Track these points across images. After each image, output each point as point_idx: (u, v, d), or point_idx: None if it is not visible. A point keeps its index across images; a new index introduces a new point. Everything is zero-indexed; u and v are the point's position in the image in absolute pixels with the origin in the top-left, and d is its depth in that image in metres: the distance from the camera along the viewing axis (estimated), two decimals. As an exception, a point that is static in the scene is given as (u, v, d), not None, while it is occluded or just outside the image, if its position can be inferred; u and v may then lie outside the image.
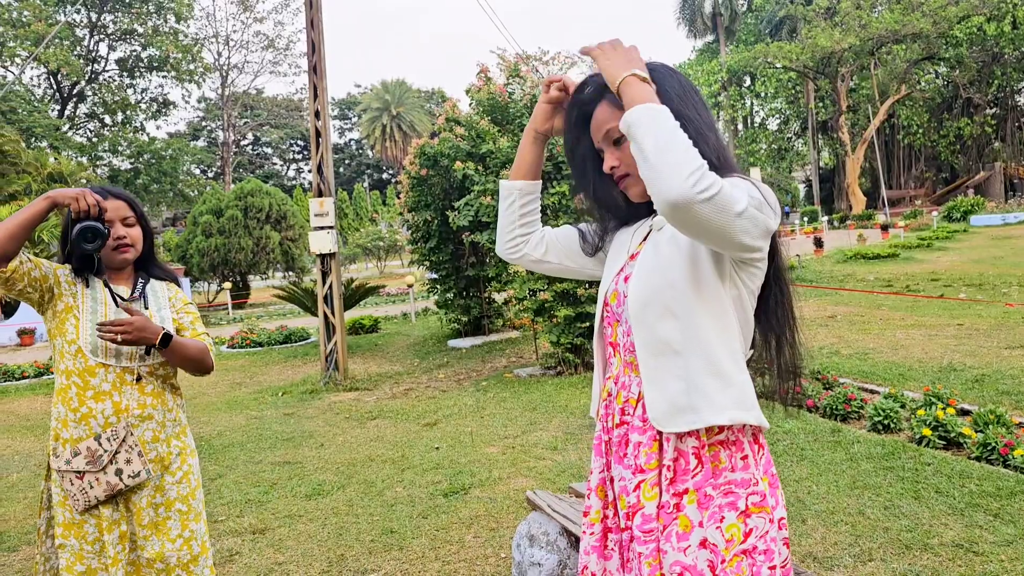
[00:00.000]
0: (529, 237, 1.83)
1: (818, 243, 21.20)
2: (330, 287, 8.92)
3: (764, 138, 50.62)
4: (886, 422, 5.17)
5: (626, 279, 1.62)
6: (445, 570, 3.64)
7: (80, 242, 2.27)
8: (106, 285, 2.43)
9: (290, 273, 24.67)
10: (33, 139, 33.86)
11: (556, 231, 1.86)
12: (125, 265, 2.48)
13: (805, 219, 40.29)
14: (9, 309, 20.04)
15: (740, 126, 54.20)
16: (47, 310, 2.43)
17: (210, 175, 53.52)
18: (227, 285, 22.91)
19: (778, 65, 40.98)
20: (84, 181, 30.02)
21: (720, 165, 1.48)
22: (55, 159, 29.41)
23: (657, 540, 1.49)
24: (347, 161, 67.14)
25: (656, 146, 1.32)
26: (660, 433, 1.51)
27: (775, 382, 1.73)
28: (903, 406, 5.46)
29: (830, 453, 4.79)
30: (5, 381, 11.22)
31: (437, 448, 5.79)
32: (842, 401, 5.61)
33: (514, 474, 4.98)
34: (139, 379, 2.38)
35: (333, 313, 8.91)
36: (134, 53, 41.87)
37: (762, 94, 50.73)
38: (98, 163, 39.42)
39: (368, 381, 8.95)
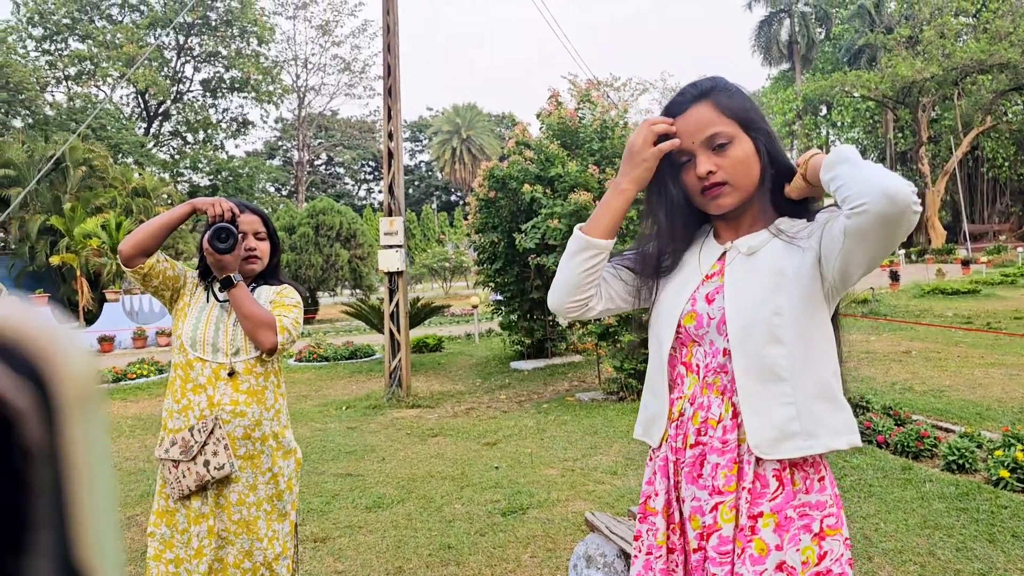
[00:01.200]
0: (595, 294, 1.71)
1: (894, 277, 20.60)
2: (396, 305, 9.06)
3: (839, 169, 49.53)
4: (961, 461, 4.99)
5: (708, 300, 1.58)
6: (501, 588, 3.65)
7: (213, 241, 2.42)
8: (208, 287, 2.56)
9: (357, 291, 25.13)
10: (120, 155, 35.38)
11: (606, 280, 1.75)
12: (252, 275, 2.62)
13: (880, 252, 39.13)
14: (91, 316, 20.87)
15: (814, 156, 53.18)
16: (172, 308, 2.61)
17: (284, 193, 54.97)
18: (297, 300, 23.44)
19: (856, 94, 40.21)
20: (165, 196, 31.20)
21: None
22: (139, 174, 30.65)
23: (732, 563, 1.49)
24: (416, 182, 68.21)
25: (876, 166, 1.36)
26: (740, 456, 1.51)
27: None
28: (980, 446, 5.26)
29: (900, 491, 4.65)
30: (85, 385, 11.68)
31: (496, 467, 5.81)
32: (914, 438, 5.44)
33: (573, 496, 4.96)
34: (232, 374, 2.47)
35: (399, 330, 9.04)
36: (217, 74, 43.52)
37: (838, 123, 49.78)
38: (179, 179, 40.95)
39: (430, 399, 9.03)
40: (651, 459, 1.67)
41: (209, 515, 2.45)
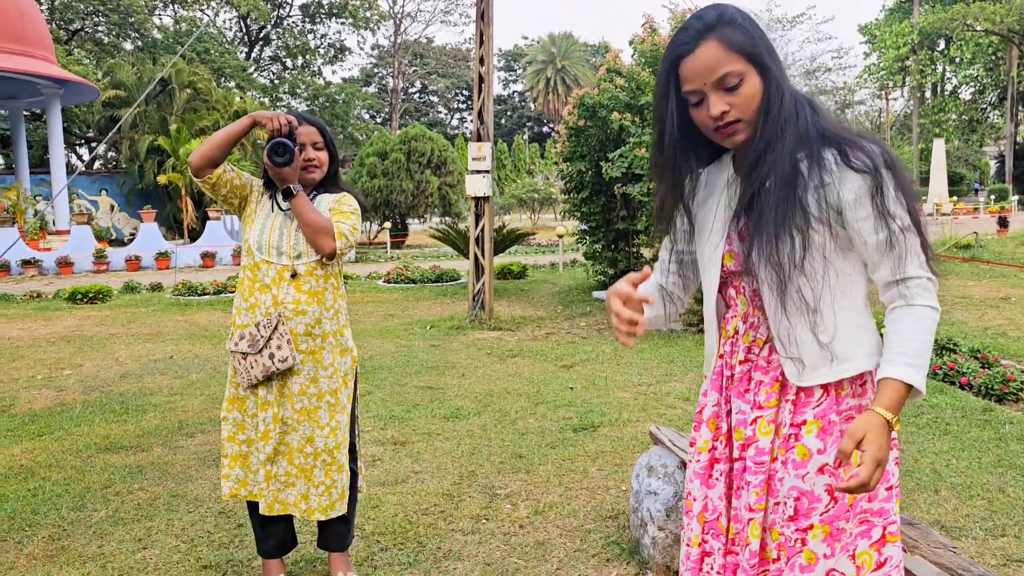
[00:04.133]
0: (669, 308, 1.86)
1: (1003, 223, 19.59)
2: (482, 230, 9.22)
3: (954, 108, 46.78)
4: (1046, 406, 4.87)
5: (741, 237, 1.61)
6: (567, 495, 3.82)
7: (272, 155, 2.59)
8: (272, 196, 2.75)
9: (446, 218, 25.46)
10: (223, 79, 36.33)
11: (663, 274, 1.84)
12: (312, 183, 2.79)
13: (993, 197, 37.16)
14: (194, 233, 21.86)
15: (928, 93, 50.34)
16: (241, 215, 2.81)
17: (378, 120, 55.55)
18: (387, 225, 23.98)
19: (978, 28, 37.63)
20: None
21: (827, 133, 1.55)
22: (240, 98, 31.47)
23: (767, 472, 1.58)
24: (509, 113, 67.78)
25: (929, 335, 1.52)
26: (783, 373, 1.59)
27: None
28: (1069, 392, 5.11)
29: (977, 431, 4.58)
30: (189, 296, 12.39)
31: (571, 388, 5.97)
32: (999, 381, 5.31)
33: (643, 418, 5.08)
34: (294, 275, 2.66)
35: (483, 255, 9.22)
36: (317, 0, 43.81)
37: (957, 59, 46.78)
38: (278, 104, 41.80)
39: (511, 323, 9.23)
40: (716, 373, 1.76)
41: (274, 403, 2.68)
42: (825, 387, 1.55)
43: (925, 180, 42.69)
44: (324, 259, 2.71)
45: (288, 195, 2.66)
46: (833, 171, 1.51)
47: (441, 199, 24.11)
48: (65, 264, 17.54)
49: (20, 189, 20.97)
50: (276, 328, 2.63)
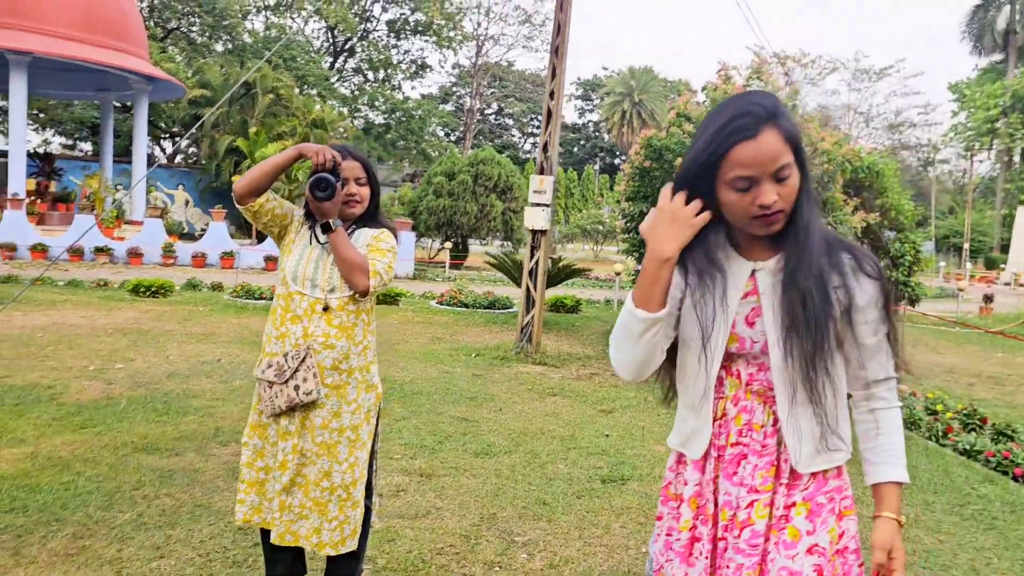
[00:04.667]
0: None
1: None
2: (536, 262, 9.21)
3: (1044, 174, 45.21)
4: (1104, 511, 4.61)
5: (749, 323, 1.65)
6: (585, 550, 3.75)
7: (314, 189, 2.63)
8: (311, 228, 2.77)
9: (507, 242, 25.55)
10: (305, 86, 37.27)
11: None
12: (352, 218, 2.82)
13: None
14: (261, 235, 22.36)
15: (1016, 158, 48.78)
16: (280, 243, 2.86)
17: (452, 138, 56.23)
18: (447, 245, 24.17)
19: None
20: (341, 130, 32.73)
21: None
22: (320, 107, 32.24)
23: (761, 552, 1.62)
24: (582, 142, 67.91)
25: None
26: (779, 458, 1.65)
27: None
28: None
29: (1026, 529, 4.36)
30: (247, 299, 12.63)
31: (607, 435, 5.89)
32: (1056, 477, 5.06)
33: (675, 476, 4.97)
34: (326, 309, 2.68)
35: (535, 288, 9.21)
36: (403, 16, 44.70)
37: (1051, 125, 45.24)
38: (356, 115, 42.68)
39: (557, 358, 9.18)
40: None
41: (295, 434, 2.69)
42: (813, 474, 1.64)
43: (1005, 247, 41.28)
44: (357, 295, 2.72)
45: (327, 229, 2.68)
46: (849, 274, 1.62)
47: (504, 224, 24.22)
48: (135, 255, 18.14)
49: (102, 177, 21.78)
50: (304, 360, 2.64)
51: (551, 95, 9.10)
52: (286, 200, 2.85)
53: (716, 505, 1.68)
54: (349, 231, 2.81)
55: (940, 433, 6.27)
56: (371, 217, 2.87)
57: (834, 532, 1.61)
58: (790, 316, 1.58)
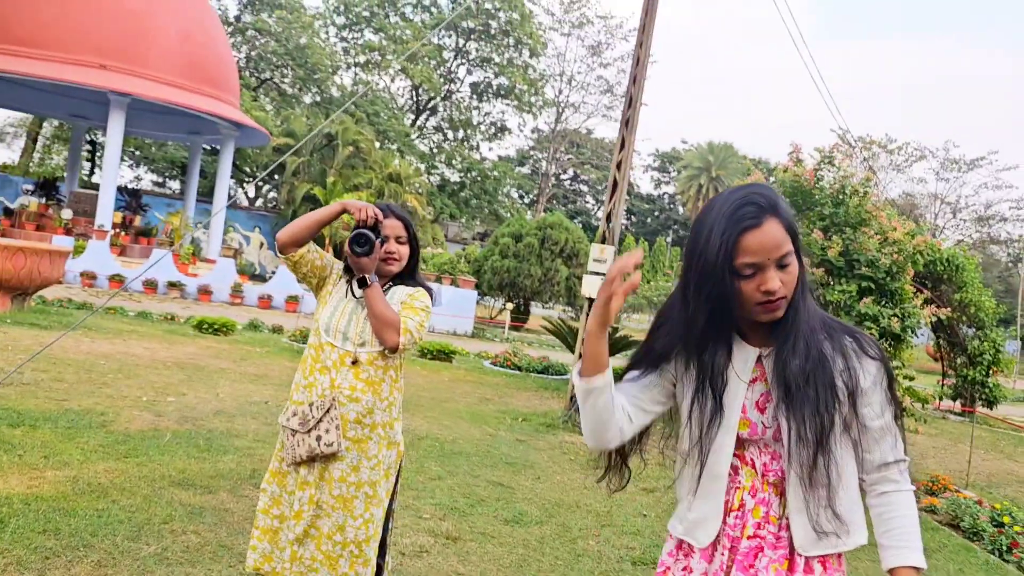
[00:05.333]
0: (623, 417, 1.78)
1: None
2: (591, 330, 9.14)
3: None
4: None
5: (760, 408, 1.68)
6: (604, 635, 3.60)
7: (353, 245, 2.69)
8: (349, 282, 2.82)
9: (569, 308, 25.51)
10: (386, 141, 38.38)
11: (624, 395, 1.80)
12: (390, 275, 2.86)
13: None
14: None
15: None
16: (318, 294, 2.90)
17: (526, 201, 56.90)
18: (509, 306, 24.26)
19: None
20: (417, 185, 33.46)
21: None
22: (398, 161, 33.09)
23: None
24: (656, 213, 67.92)
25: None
26: (792, 550, 1.66)
27: None
28: None
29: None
30: (303, 343, 12.78)
31: (644, 515, 5.71)
32: None
33: (710, 565, 4.77)
34: (355, 363, 2.70)
35: (588, 355, 9.11)
36: (486, 79, 45.90)
37: None
38: (432, 171, 43.65)
39: (605, 430, 9.01)
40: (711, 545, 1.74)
41: (313, 484, 2.69)
42: (823, 562, 1.66)
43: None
44: (387, 351, 2.73)
45: (363, 284, 2.72)
46: (852, 356, 1.65)
47: (567, 289, 24.21)
48: (205, 292, 18.70)
49: (184, 215, 22.65)
50: (328, 411, 2.66)
51: (618, 166, 9.14)
52: (327, 253, 2.91)
53: None
54: (385, 288, 2.85)
55: (1005, 548, 5.90)
56: (409, 275, 2.92)
57: None
58: (789, 399, 1.61)
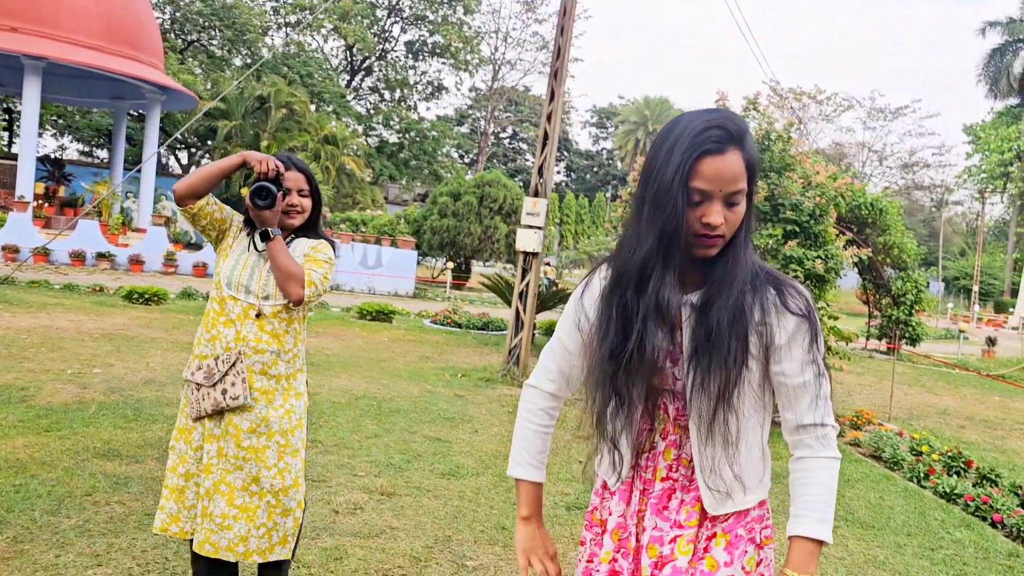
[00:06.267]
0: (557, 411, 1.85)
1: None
2: (527, 285, 9.15)
3: (1055, 219, 44.96)
4: (1080, 562, 4.48)
5: (672, 359, 1.59)
6: (534, 579, 3.65)
7: (254, 198, 2.62)
8: (250, 235, 2.77)
9: (510, 265, 25.53)
10: (321, 103, 37.53)
11: (549, 363, 1.80)
12: (292, 228, 2.82)
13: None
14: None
15: (1029, 202, 48.56)
16: (217, 247, 2.85)
17: (466, 160, 56.48)
18: (450, 265, 24.18)
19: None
20: (355, 148, 32.90)
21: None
22: (334, 123, 32.44)
23: None
24: (595, 169, 68.08)
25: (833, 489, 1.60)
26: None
27: None
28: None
29: (996, 577, 4.24)
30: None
31: (580, 462, 5.79)
32: (1035, 525, 4.93)
33: (642, 506, 4.87)
34: (259, 315, 2.67)
35: (525, 310, 9.14)
36: (422, 38, 45.07)
37: (1062, 169, 45.06)
38: (370, 133, 42.92)
39: (544, 382, 9.09)
40: (626, 484, 1.71)
41: (220, 437, 2.65)
42: (725, 514, 1.63)
43: (1015, 291, 40.96)
44: (291, 304, 2.70)
45: (265, 238, 2.67)
46: (771, 311, 1.55)
47: (507, 246, 24.17)
48: (136, 262, 18.18)
49: (110, 184, 21.90)
50: (234, 364, 2.62)
51: (548, 118, 9.10)
52: (226, 205, 2.84)
53: (638, 539, 1.65)
54: (288, 241, 2.80)
55: (922, 475, 6.15)
56: (311, 228, 2.88)
57: (752, 560, 1.60)
58: (698, 349, 1.52)
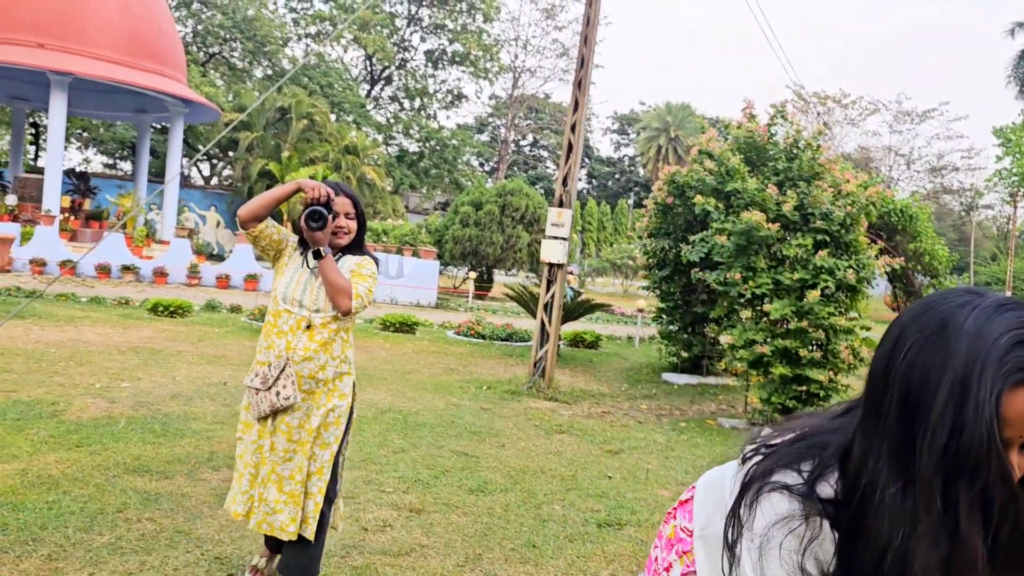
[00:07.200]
0: None
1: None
2: (552, 296, 9.11)
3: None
4: None
5: None
6: (568, 599, 3.60)
7: (308, 220, 3.00)
8: (303, 254, 3.15)
9: (532, 274, 25.47)
10: (341, 113, 37.76)
11: None
12: (340, 247, 3.18)
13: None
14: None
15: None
16: (274, 264, 3.23)
17: (486, 168, 56.55)
18: (472, 275, 24.16)
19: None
20: (375, 157, 33.05)
21: None
22: (354, 133, 32.61)
23: None
24: (617, 176, 67.90)
25: None
26: None
27: None
28: None
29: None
30: (263, 321, 12.64)
31: (609, 477, 5.73)
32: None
33: (674, 523, 4.79)
34: (309, 327, 3.04)
35: (550, 321, 9.09)
36: (441, 46, 45.27)
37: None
38: (390, 142, 43.10)
39: (570, 395, 9.03)
40: None
41: (273, 432, 3.07)
42: None
43: (1044, 297, 40.37)
44: (339, 315, 3.07)
45: (318, 256, 3.04)
46: None
47: (530, 256, 24.13)
48: (160, 274, 18.32)
49: (134, 197, 22.12)
50: (284, 370, 2.99)
51: (572, 128, 9.05)
52: (282, 227, 3.22)
53: None
54: (336, 258, 3.15)
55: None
56: (357, 247, 3.26)
57: None
58: None
